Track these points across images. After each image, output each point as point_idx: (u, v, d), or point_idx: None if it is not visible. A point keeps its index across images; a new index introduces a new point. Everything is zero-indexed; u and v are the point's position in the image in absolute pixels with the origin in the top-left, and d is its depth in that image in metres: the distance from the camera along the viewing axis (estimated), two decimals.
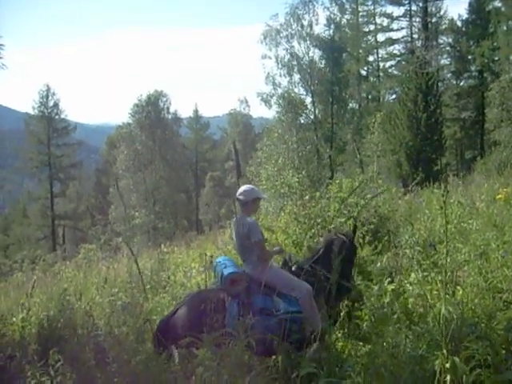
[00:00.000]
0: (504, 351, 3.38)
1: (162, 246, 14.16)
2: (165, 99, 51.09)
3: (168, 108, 51.61)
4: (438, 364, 2.95)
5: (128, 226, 41.20)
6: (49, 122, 51.68)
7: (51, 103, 52.37)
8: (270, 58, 39.76)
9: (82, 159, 58.36)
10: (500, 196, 9.72)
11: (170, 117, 52.26)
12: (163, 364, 3.24)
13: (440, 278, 5.65)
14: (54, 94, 52.72)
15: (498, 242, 6.95)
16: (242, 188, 5.63)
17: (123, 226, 41.55)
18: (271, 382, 3.06)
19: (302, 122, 35.26)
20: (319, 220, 8.84)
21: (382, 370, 3.88)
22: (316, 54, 40.17)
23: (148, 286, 10.00)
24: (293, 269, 5.59)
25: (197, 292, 5.78)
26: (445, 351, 2.90)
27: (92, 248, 15.87)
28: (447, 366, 2.89)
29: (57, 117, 52.76)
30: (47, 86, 52.56)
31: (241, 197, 5.51)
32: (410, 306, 5.82)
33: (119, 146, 48.38)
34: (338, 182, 9.87)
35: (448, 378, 2.93)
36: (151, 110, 48.66)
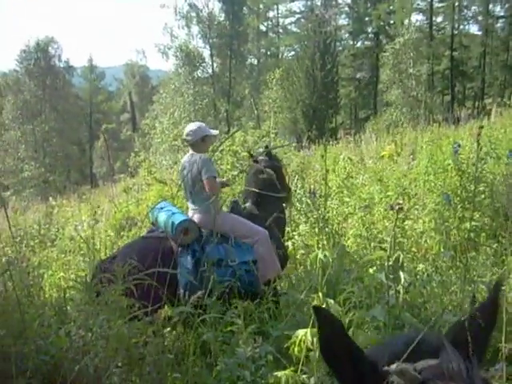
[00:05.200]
0: (376, 292, 3.58)
1: (51, 199, 13.68)
2: (56, 46, 48.43)
3: (60, 56, 49.07)
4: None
5: (17, 179, 39.44)
6: None
7: None
8: (169, 7, 38.83)
9: None
10: (384, 153, 10.16)
11: (61, 65, 49.77)
12: (36, 312, 3.13)
13: (326, 229, 5.83)
14: None
15: (381, 195, 7.28)
16: (188, 127, 5.14)
17: (11, 179, 39.73)
18: (149, 326, 3.03)
19: (200, 75, 34.93)
20: None
21: (264, 316, 3.99)
22: (216, 6, 39.80)
23: (36, 241, 9.70)
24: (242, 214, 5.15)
25: (141, 237, 5.10)
26: (320, 294, 3.01)
27: None
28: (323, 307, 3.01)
29: None
30: None
31: (188, 137, 5.03)
32: (298, 256, 6.00)
33: (5, 95, 45.68)
34: (231, 134, 9.90)
35: None
36: (40, 57, 46.05)
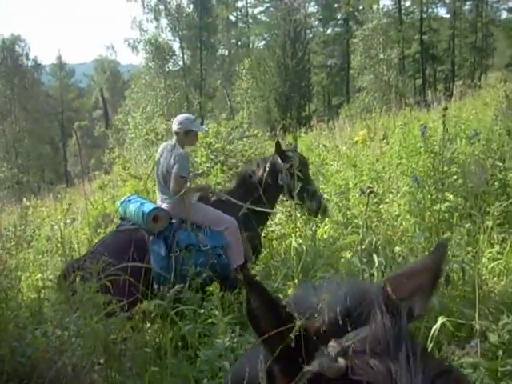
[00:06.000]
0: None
1: (25, 199, 13.54)
2: (23, 44, 47.60)
3: (27, 54, 48.30)
4: (290, 294, 3.08)
5: None
6: None
7: None
8: (136, 1, 38.33)
9: None
10: (357, 138, 10.19)
11: (29, 63, 49.01)
12: (12, 312, 3.09)
13: (303, 217, 5.84)
14: None
15: (355, 181, 7.32)
16: (178, 117, 5.13)
17: None
18: (127, 321, 3.02)
19: (171, 68, 34.67)
20: None
21: (243, 305, 4.00)
22: None
23: (12, 243, 9.59)
24: (212, 200, 5.19)
25: (113, 232, 5.14)
26: (296, 281, 3.02)
27: None
28: None
29: None
30: None
31: (174, 126, 5.02)
32: (274, 245, 6.03)
33: None
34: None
35: None
36: (7, 56, 45.23)
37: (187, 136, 5.00)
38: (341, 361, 0.86)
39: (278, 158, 5.22)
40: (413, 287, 0.99)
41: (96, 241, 7.31)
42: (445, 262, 1.02)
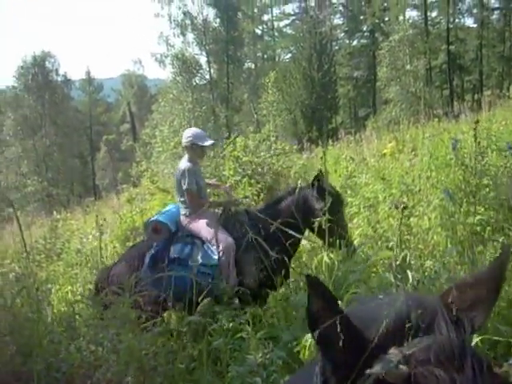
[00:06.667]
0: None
1: (55, 212, 13.71)
2: (53, 60, 48.52)
3: (57, 70, 49.16)
4: None
5: (20, 194, 39.49)
6: None
7: None
8: (163, 16, 38.81)
9: None
10: (386, 150, 10.10)
11: (59, 79, 49.86)
12: (47, 327, 3.12)
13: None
14: None
15: (385, 193, 7.24)
16: (187, 131, 5.32)
17: (15, 195, 39.79)
18: (158, 337, 3.02)
19: (198, 82, 34.92)
20: (215, 179, 8.84)
21: (274, 320, 3.98)
22: (210, 12, 39.73)
23: (42, 255, 9.71)
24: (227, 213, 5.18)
25: (140, 242, 5.37)
26: None
27: None
28: None
29: None
30: None
31: (182, 140, 5.20)
32: (303, 259, 5.97)
33: (5, 112, 45.77)
34: (231, 141, 9.87)
35: None
36: (38, 72, 46.15)
37: (193, 150, 5.13)
38: (403, 367, 0.84)
39: (312, 195, 4.91)
40: (473, 298, 0.96)
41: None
42: (506, 270, 0.98)
